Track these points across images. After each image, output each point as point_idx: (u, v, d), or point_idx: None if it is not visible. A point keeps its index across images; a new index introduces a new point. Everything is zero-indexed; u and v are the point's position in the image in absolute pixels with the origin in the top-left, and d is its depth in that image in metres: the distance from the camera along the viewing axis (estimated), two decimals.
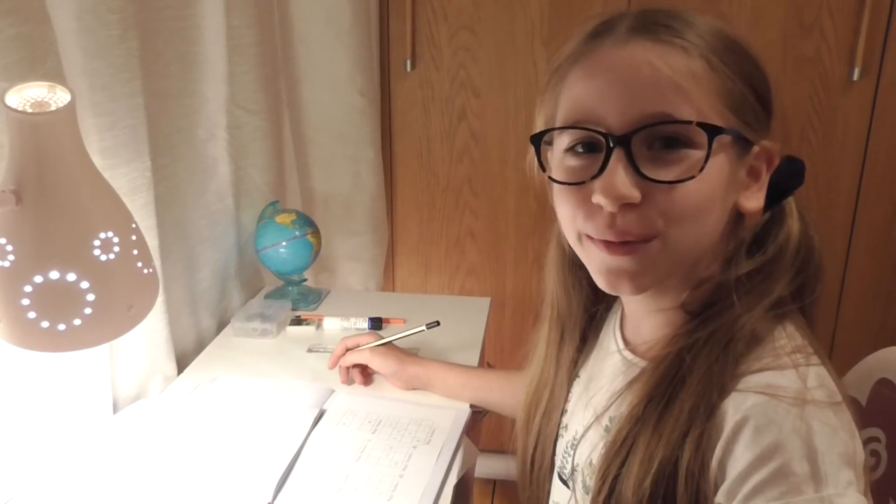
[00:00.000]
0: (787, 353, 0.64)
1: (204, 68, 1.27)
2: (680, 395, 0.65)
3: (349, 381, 1.14)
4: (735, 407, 0.61)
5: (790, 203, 0.71)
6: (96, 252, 0.67)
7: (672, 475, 0.63)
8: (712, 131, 0.62)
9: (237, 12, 1.30)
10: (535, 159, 0.70)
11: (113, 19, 0.94)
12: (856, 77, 1.62)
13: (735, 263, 0.68)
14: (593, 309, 0.83)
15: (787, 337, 0.66)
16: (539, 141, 0.69)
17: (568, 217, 0.68)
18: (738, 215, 0.69)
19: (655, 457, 0.64)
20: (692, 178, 0.62)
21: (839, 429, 0.60)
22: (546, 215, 0.77)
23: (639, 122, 0.62)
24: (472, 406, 1.09)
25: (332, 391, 1.11)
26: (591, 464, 0.75)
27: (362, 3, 1.62)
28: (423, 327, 1.16)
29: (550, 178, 0.68)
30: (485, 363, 1.34)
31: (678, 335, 0.69)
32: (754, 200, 0.68)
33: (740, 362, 0.64)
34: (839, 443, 0.59)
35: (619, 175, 0.62)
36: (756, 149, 0.67)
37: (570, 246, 0.74)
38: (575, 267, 0.80)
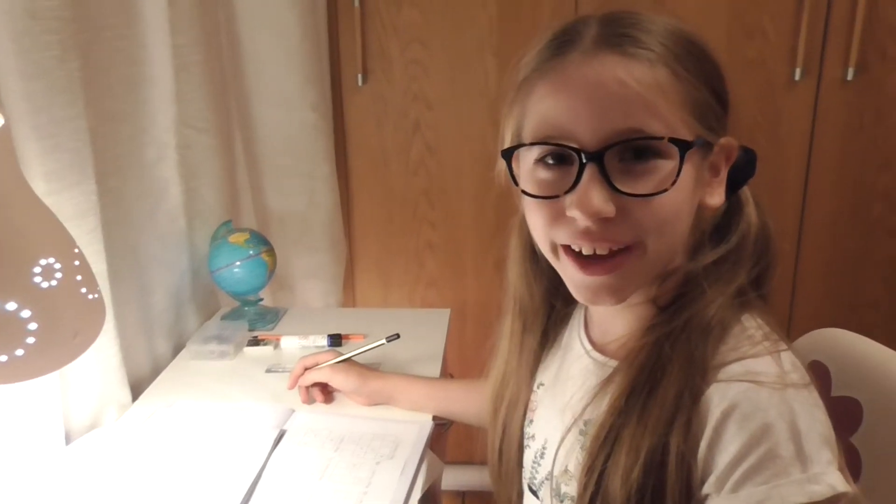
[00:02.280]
0: (760, 341, 0.66)
1: (150, 88, 1.25)
2: (662, 382, 0.66)
3: (310, 400, 1.12)
4: (720, 396, 0.63)
5: (745, 192, 0.73)
6: (37, 279, 0.65)
7: (661, 463, 0.64)
8: (683, 146, 0.63)
9: (182, 31, 1.28)
10: (507, 172, 0.71)
11: (52, 40, 0.92)
12: (798, 77, 1.66)
13: (700, 253, 0.71)
14: (554, 301, 0.83)
15: (756, 326, 0.68)
16: (510, 155, 0.70)
17: (541, 229, 0.69)
18: (698, 207, 0.71)
19: (643, 446, 0.65)
20: (666, 190, 0.63)
21: (815, 409, 0.62)
22: (504, 224, 0.77)
23: (611, 138, 0.63)
24: (435, 418, 1.08)
25: (293, 411, 1.09)
26: (566, 470, 0.75)
27: (310, 18, 1.61)
28: (384, 340, 1.15)
29: (524, 191, 0.69)
30: (447, 374, 1.34)
31: (652, 326, 0.70)
32: (717, 196, 0.70)
33: (718, 348, 0.66)
34: (818, 423, 0.62)
35: (593, 190, 0.63)
36: (716, 147, 0.69)
37: (536, 245, 0.75)
38: (536, 259, 0.80)
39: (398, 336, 1.15)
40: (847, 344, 0.92)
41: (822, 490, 0.59)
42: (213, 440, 1.01)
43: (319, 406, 1.12)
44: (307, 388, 1.12)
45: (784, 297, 1.82)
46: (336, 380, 1.10)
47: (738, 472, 0.61)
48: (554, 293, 0.82)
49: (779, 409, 0.61)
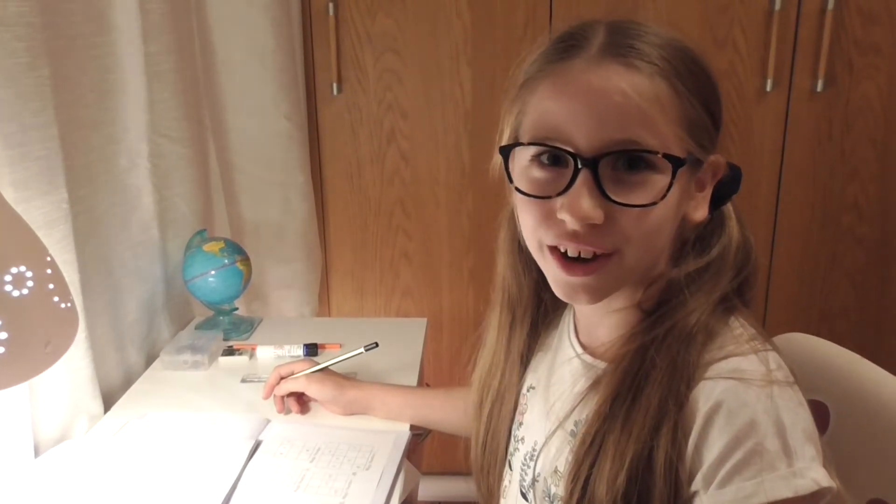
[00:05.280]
0: (747, 341, 0.68)
1: (122, 96, 1.24)
2: (645, 389, 0.68)
3: (285, 410, 1.11)
4: (706, 394, 0.65)
5: (728, 207, 0.76)
6: (8, 288, 0.64)
7: (646, 469, 0.65)
8: (676, 163, 0.65)
9: (155, 39, 1.27)
10: (503, 169, 0.72)
11: (20, 47, 0.91)
12: (769, 88, 1.69)
13: (683, 262, 0.72)
14: (542, 294, 0.84)
15: (742, 327, 0.70)
16: (508, 152, 0.71)
17: (530, 226, 0.71)
18: (682, 219, 0.72)
19: (627, 453, 0.66)
20: (655, 203, 0.65)
21: (800, 407, 0.64)
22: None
23: (607, 146, 0.64)
24: (412, 428, 1.08)
25: (268, 421, 1.08)
26: (556, 471, 0.76)
27: (284, 27, 1.60)
28: (362, 349, 1.14)
29: (517, 189, 0.70)
30: (424, 384, 1.33)
31: (636, 332, 0.72)
32: (701, 211, 0.72)
33: (703, 353, 0.67)
34: (801, 420, 0.63)
35: (584, 196, 0.64)
36: (705, 164, 0.71)
37: (522, 239, 0.76)
38: (524, 252, 0.81)
39: (376, 345, 1.14)
40: (812, 348, 0.93)
41: (806, 484, 0.61)
42: (186, 451, 1.00)
43: (295, 416, 1.11)
44: (282, 398, 1.11)
45: (758, 306, 1.84)
46: (312, 389, 1.09)
47: (725, 468, 0.62)
48: (542, 285, 0.82)
49: (764, 405, 0.63)
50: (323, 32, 1.72)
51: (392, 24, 1.71)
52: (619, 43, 0.66)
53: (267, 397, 1.12)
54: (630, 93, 0.64)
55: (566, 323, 0.84)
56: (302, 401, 1.12)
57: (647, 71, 0.65)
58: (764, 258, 1.81)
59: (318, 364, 1.11)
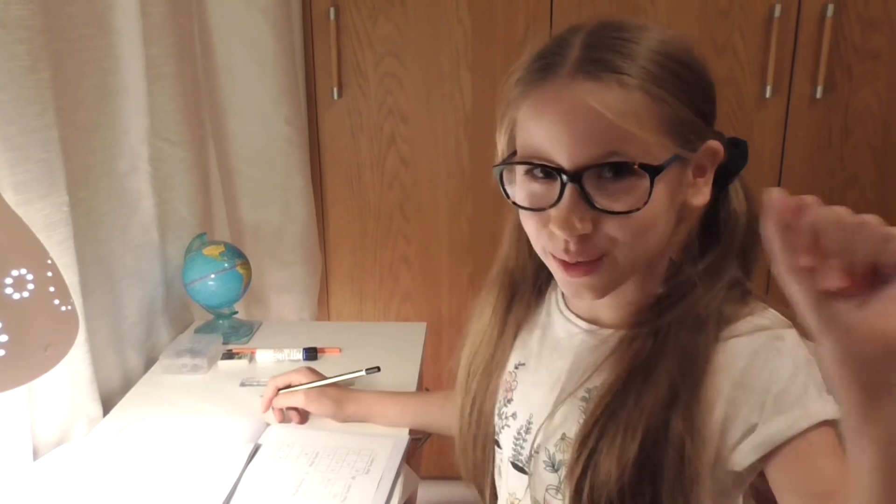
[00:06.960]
0: (762, 310, 0.75)
1: (123, 99, 1.24)
2: (656, 372, 0.72)
3: (285, 420, 1.10)
4: (735, 354, 0.71)
5: (735, 185, 0.78)
6: (8, 290, 0.64)
7: (660, 443, 0.70)
8: (653, 171, 0.67)
9: (156, 42, 1.27)
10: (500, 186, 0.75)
11: (21, 50, 0.91)
12: (768, 94, 1.69)
13: (689, 248, 0.76)
14: (540, 275, 0.86)
15: (761, 302, 0.76)
16: (501, 171, 0.75)
17: (533, 235, 0.75)
18: (685, 205, 0.75)
19: (639, 428, 0.71)
20: (638, 209, 0.68)
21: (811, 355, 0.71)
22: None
23: (588, 161, 0.67)
24: (411, 432, 1.08)
25: (267, 425, 1.08)
26: (563, 437, 0.78)
27: (285, 31, 1.61)
28: (363, 371, 1.13)
29: (515, 203, 0.74)
30: (423, 388, 1.33)
31: (644, 310, 0.76)
32: (701, 196, 0.74)
33: (718, 336, 0.73)
34: (816, 362, 0.70)
35: (572, 210, 0.68)
36: (702, 151, 0.72)
37: None
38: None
39: (378, 369, 1.13)
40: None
41: (833, 410, 0.68)
42: (186, 455, 1.00)
43: None
44: (281, 409, 1.10)
45: None
46: (311, 408, 1.09)
47: (771, 397, 0.69)
48: (541, 267, 0.83)
49: (790, 344, 0.71)
50: (324, 36, 1.72)
51: (393, 29, 1.72)
52: (593, 58, 0.68)
53: (266, 411, 1.11)
54: (601, 110, 0.66)
55: (552, 300, 0.87)
56: (302, 411, 1.11)
57: (620, 84, 0.67)
58: (762, 269, 1.81)
59: (315, 372, 1.10)
